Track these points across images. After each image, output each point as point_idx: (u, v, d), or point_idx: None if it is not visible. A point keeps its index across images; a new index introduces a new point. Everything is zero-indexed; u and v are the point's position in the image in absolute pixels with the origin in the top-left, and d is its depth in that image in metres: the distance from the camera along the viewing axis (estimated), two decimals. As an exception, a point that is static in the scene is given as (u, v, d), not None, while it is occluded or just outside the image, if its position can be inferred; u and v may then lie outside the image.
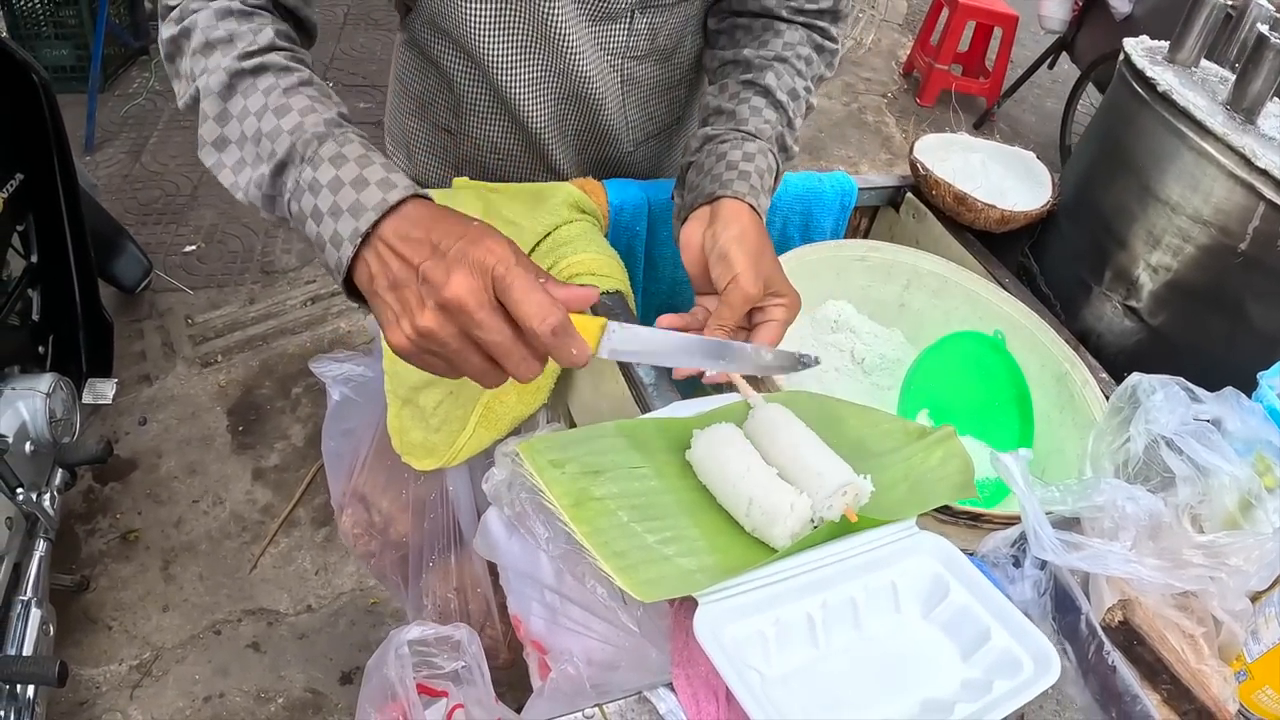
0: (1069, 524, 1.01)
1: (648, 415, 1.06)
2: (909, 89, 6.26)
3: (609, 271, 1.29)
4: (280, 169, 0.95)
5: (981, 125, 5.94)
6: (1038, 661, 0.84)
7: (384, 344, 1.50)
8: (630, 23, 1.33)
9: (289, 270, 3.66)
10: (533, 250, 1.30)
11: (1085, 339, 1.52)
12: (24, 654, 2.01)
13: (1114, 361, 1.46)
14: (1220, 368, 1.21)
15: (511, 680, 1.63)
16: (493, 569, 1.65)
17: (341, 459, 1.72)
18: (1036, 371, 1.39)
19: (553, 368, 1.32)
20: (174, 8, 1.05)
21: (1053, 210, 1.62)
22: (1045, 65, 5.86)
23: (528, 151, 1.47)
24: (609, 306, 1.26)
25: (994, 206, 1.54)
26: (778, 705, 0.79)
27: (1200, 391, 1.05)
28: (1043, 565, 0.96)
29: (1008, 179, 1.69)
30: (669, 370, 1.17)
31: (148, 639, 2.48)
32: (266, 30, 1.03)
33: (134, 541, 2.71)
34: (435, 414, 1.43)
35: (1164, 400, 1.00)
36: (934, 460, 1.05)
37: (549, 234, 1.31)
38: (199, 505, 2.83)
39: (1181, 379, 1.05)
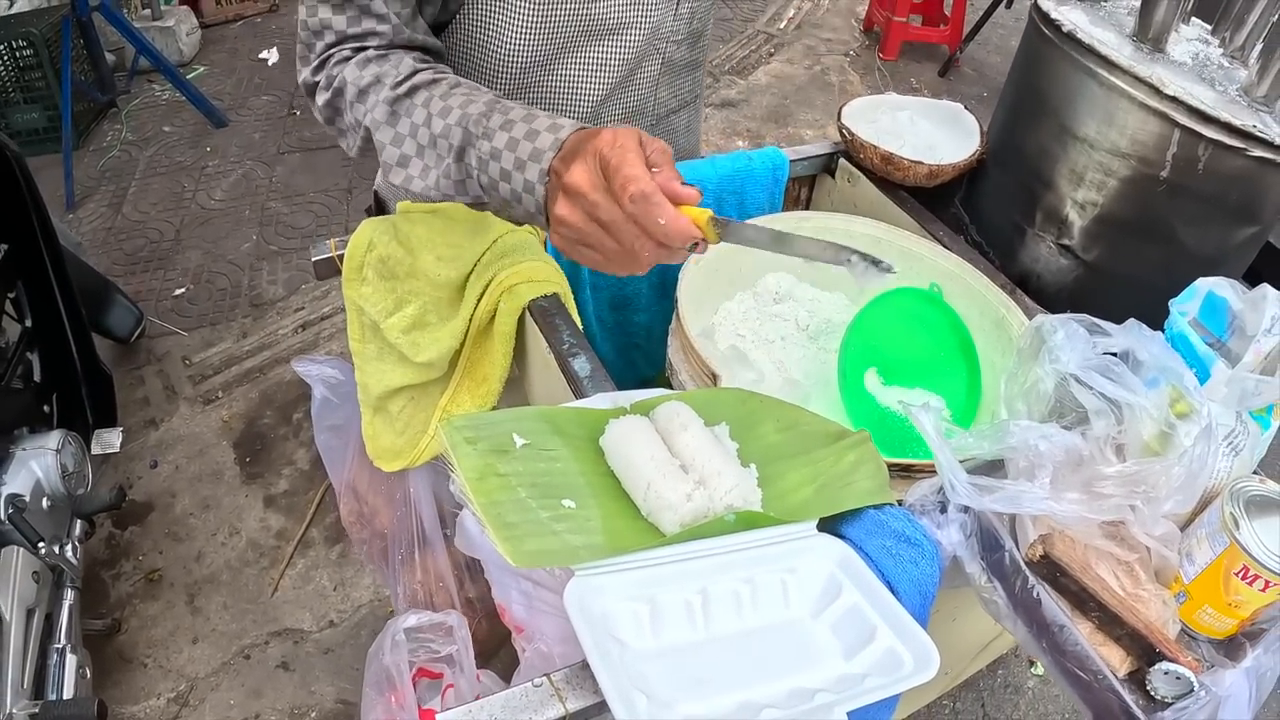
0: (995, 466, 1.06)
1: (570, 404, 1.10)
2: (870, 45, 6.24)
3: (544, 277, 1.35)
4: (461, 154, 1.11)
5: (947, 73, 5.92)
6: (918, 659, 0.88)
7: (355, 358, 1.56)
8: (676, 8, 1.43)
9: (277, 301, 3.72)
10: (474, 266, 1.36)
11: (1026, 281, 1.56)
12: (64, 698, 2.08)
13: (1055, 300, 1.50)
14: (1160, 295, 1.25)
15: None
16: (457, 565, 1.73)
17: (335, 451, 1.82)
18: (977, 319, 1.43)
19: (501, 368, 1.38)
20: (317, 81, 1.23)
21: (982, 159, 1.65)
22: (1003, 4, 5.83)
23: None
24: (545, 309, 1.32)
25: (921, 163, 1.58)
26: (636, 674, 0.83)
27: (1107, 325, 1.09)
28: (967, 509, 1.01)
29: (937, 133, 1.72)
30: (604, 365, 1.24)
31: (182, 671, 2.55)
32: (405, 60, 1.19)
33: (158, 580, 2.77)
34: (400, 418, 1.49)
35: (1065, 339, 1.04)
36: (845, 465, 1.07)
37: (489, 248, 1.36)
38: (216, 538, 2.90)
39: (1085, 316, 1.09)
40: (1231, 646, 1.07)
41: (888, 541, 1.00)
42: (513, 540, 0.89)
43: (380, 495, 1.80)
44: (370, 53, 1.20)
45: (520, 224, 1.40)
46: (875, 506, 1.04)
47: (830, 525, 1.04)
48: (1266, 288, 1.15)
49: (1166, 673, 0.95)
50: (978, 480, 0.96)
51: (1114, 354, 1.05)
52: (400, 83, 1.16)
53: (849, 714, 0.83)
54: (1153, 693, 0.97)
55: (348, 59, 1.20)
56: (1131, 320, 1.10)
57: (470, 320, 1.37)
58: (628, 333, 1.74)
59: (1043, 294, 1.53)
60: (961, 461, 0.99)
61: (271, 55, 5.56)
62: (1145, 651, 0.96)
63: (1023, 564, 0.97)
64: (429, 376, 1.47)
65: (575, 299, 1.57)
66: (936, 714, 2.55)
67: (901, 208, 1.62)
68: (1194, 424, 1.01)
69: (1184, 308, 1.14)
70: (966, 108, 1.76)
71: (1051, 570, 0.96)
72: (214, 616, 2.69)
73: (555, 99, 1.42)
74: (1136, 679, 0.98)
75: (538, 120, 1.04)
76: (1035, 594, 0.95)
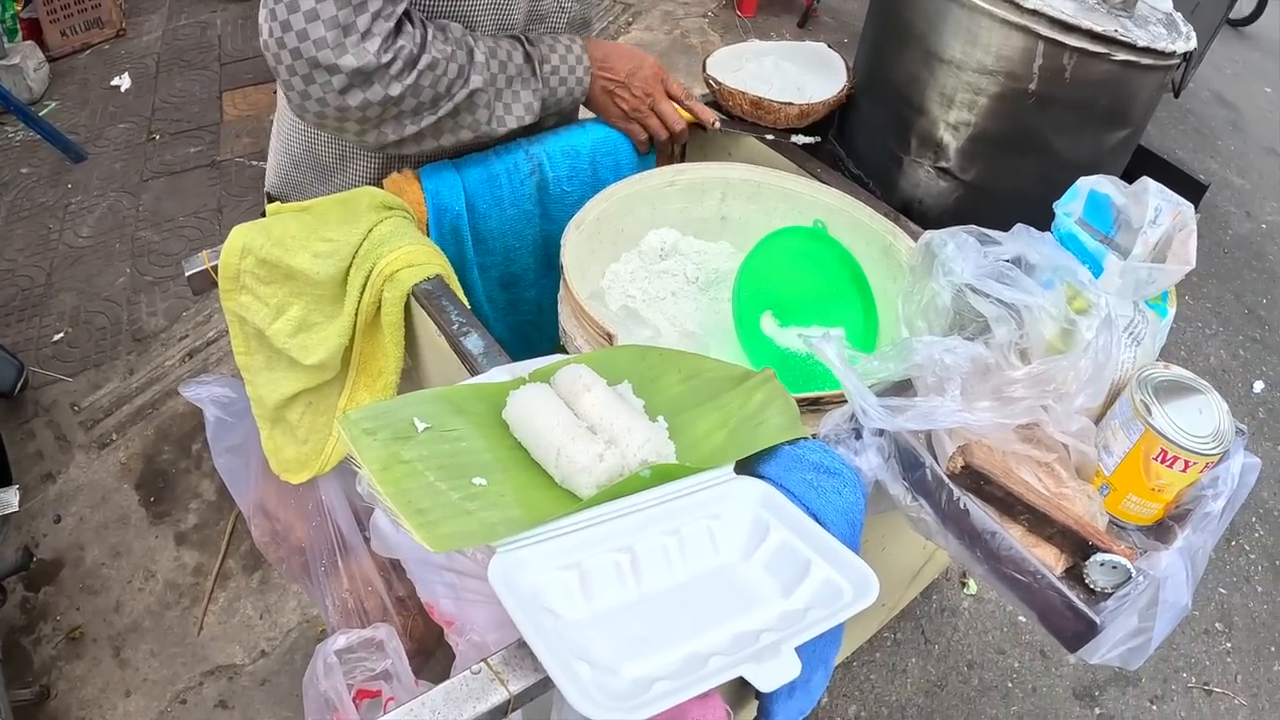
0: (904, 387, 1.06)
1: (466, 381, 1.08)
2: (728, 4, 6.24)
3: (424, 259, 1.32)
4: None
5: (805, 23, 5.94)
6: (856, 586, 0.88)
7: (244, 372, 1.52)
8: None
9: (160, 332, 3.59)
10: (352, 258, 1.33)
11: (909, 208, 1.57)
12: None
13: (939, 223, 1.50)
14: (1041, 206, 1.26)
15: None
16: (382, 566, 1.69)
17: (237, 473, 1.76)
18: (864, 250, 1.43)
19: (394, 359, 1.36)
20: (388, 61, 1.21)
21: (851, 94, 1.66)
22: (856, -49, 5.88)
23: None
24: (430, 291, 1.29)
25: (791, 103, 1.58)
26: (575, 643, 0.82)
27: (995, 234, 1.10)
28: (882, 432, 1.01)
29: (804, 74, 1.73)
30: (496, 340, 1.23)
31: (118, 727, 2.46)
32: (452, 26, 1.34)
33: (80, 638, 2.66)
34: (300, 426, 1.46)
35: (955, 250, 1.04)
36: (754, 405, 1.06)
37: (365, 238, 1.33)
38: (133, 584, 2.79)
39: (974, 226, 1.10)
40: (1161, 531, 1.09)
41: (807, 474, 0.99)
42: (427, 526, 0.87)
43: (291, 510, 1.75)
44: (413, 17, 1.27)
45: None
46: (790, 442, 1.03)
47: (749, 467, 1.03)
48: (1147, 180, 1.17)
49: (1103, 564, 0.96)
50: (888, 402, 0.96)
51: (1007, 261, 1.06)
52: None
53: (798, 651, 0.82)
54: (1092, 585, 0.98)
55: (410, 30, 1.24)
56: (1019, 225, 1.11)
57: (356, 314, 1.34)
58: (520, 311, 1.71)
59: (926, 218, 1.54)
60: (869, 386, 0.98)
61: (124, 82, 5.35)
62: (1079, 547, 0.97)
63: (945, 477, 0.97)
64: (323, 378, 1.44)
65: (462, 281, 1.55)
66: (879, 647, 2.57)
67: (776, 150, 1.62)
68: (1093, 317, 1.02)
69: (1068, 208, 1.16)
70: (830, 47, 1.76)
71: (975, 479, 0.96)
72: (143, 666, 2.59)
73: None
74: (1074, 575, 0.99)
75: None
76: (961, 505, 0.95)
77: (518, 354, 1.25)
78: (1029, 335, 1.03)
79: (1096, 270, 1.08)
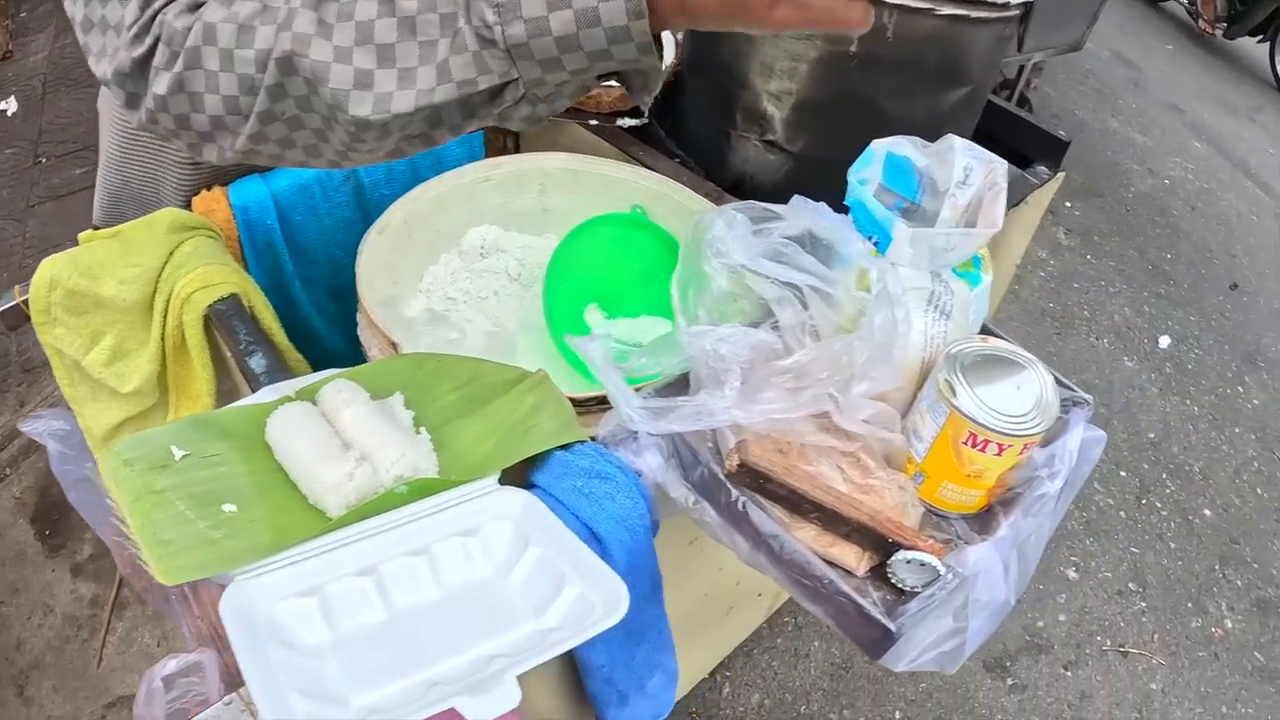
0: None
1: (233, 404, 1.03)
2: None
3: (220, 279, 1.26)
4: (468, 7, 0.69)
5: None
6: (608, 602, 0.83)
7: (72, 404, 1.50)
8: None
9: (47, 361, 3.48)
10: (156, 283, 1.28)
11: (740, 185, 1.51)
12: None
13: (771, 197, 1.44)
14: None
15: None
16: None
17: (91, 505, 1.69)
18: (688, 234, 1.36)
19: (205, 381, 1.30)
20: (143, 55, 0.77)
21: (677, 72, 1.59)
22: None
23: None
24: (223, 311, 1.23)
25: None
26: (306, 674, 0.78)
27: (776, 207, 1.02)
28: (664, 432, 0.93)
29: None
30: (279, 361, 1.18)
31: (25, 769, 2.38)
32: None
33: (-19, 682, 2.59)
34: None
35: (725, 229, 0.97)
36: (524, 410, 1.01)
37: (166, 261, 1.29)
38: (32, 620, 2.71)
39: (753, 202, 1.02)
40: (986, 520, 1.02)
41: (578, 481, 0.93)
42: (165, 558, 0.83)
43: (144, 539, 1.70)
44: None
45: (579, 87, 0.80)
46: (563, 447, 0.97)
47: (523, 476, 0.97)
48: (952, 137, 1.09)
49: (909, 561, 0.89)
50: (652, 404, 0.88)
51: (793, 236, 0.98)
52: None
53: (612, 666, 0.83)
54: (900, 585, 0.91)
55: (194, 5, 0.76)
56: (796, 197, 1.03)
57: (163, 339, 1.30)
58: (354, 321, 1.64)
59: (759, 194, 1.45)
60: (638, 387, 0.91)
61: (10, 105, 5.21)
62: (879, 544, 0.90)
63: (723, 478, 0.89)
64: (144, 405, 1.40)
65: (284, 296, 1.49)
66: (780, 633, 2.52)
67: (601, 136, 1.55)
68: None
69: (863, 175, 1.07)
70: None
71: (754, 479, 0.89)
72: (47, 703, 2.53)
73: None
74: (883, 573, 0.92)
75: None
76: (741, 506, 0.88)
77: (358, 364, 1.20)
78: (815, 316, 0.95)
79: (886, 240, 1.00)
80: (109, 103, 1.42)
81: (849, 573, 0.90)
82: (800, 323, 0.94)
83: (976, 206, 1.06)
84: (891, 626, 0.84)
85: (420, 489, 0.91)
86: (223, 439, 0.96)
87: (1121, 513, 3.01)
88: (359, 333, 1.26)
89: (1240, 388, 3.60)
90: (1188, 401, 3.47)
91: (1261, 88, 6.15)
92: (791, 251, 0.94)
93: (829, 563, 0.90)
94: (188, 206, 1.42)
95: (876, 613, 0.84)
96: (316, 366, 1.17)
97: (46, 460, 3.09)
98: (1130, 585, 2.83)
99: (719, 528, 0.91)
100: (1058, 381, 1.04)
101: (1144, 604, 2.79)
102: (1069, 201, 4.34)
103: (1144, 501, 3.07)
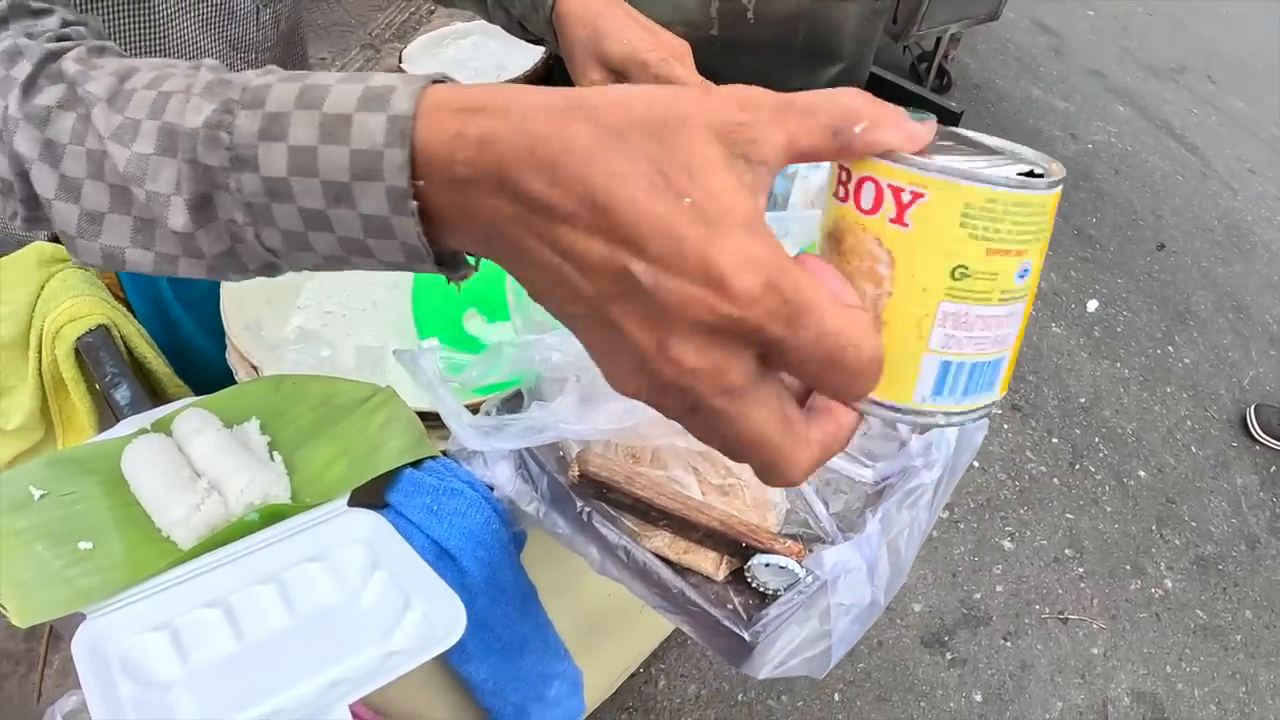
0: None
1: (92, 440, 1.03)
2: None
3: (88, 311, 1.24)
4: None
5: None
6: (447, 622, 0.82)
7: None
8: None
9: None
10: (30, 320, 1.26)
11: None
12: None
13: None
14: None
15: None
16: None
17: None
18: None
19: (86, 415, 1.27)
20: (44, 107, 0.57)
21: (549, 64, 1.56)
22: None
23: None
24: (90, 343, 1.21)
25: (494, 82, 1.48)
26: (161, 709, 0.78)
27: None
28: (513, 444, 0.90)
29: (506, 50, 1.65)
30: (142, 393, 1.13)
31: (-37, 818, 2.35)
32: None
33: (-88, 730, 2.54)
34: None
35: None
36: (374, 427, 0.99)
37: (38, 295, 1.27)
38: (-35, 660, 2.66)
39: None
40: (855, 517, 0.99)
41: (426, 499, 0.91)
42: (20, 599, 0.83)
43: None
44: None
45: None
46: (414, 465, 0.95)
47: (379, 494, 0.95)
48: None
49: (768, 565, 0.86)
50: (483, 421, 0.84)
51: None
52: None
53: (497, 680, 0.86)
54: (762, 589, 0.88)
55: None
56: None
57: (40, 374, 1.28)
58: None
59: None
60: (469, 402, 0.87)
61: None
62: (734, 549, 0.87)
63: (569, 489, 0.86)
64: (32, 441, 1.36)
65: (165, 318, 1.44)
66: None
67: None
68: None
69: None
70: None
71: (597, 489, 0.86)
72: (-12, 743, 2.49)
73: (151, 37, 1.18)
74: (744, 577, 0.89)
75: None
76: (586, 516, 0.84)
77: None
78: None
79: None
80: None
81: (708, 579, 0.87)
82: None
83: (823, 189, 1.03)
84: (745, 636, 0.81)
85: (271, 515, 0.90)
86: (81, 475, 0.96)
87: (1055, 479, 3.02)
88: (227, 357, 1.22)
89: (1170, 347, 3.62)
90: (1118, 364, 3.48)
91: (1183, 50, 6.20)
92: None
93: (687, 569, 0.87)
94: (58, 240, 1.37)
95: (729, 622, 0.81)
96: (211, 388, 1.14)
97: (-30, 497, 3.03)
98: (1067, 551, 2.83)
99: (570, 539, 0.88)
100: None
101: (1082, 569, 2.80)
102: (993, 171, 4.34)
103: (1077, 467, 3.08)
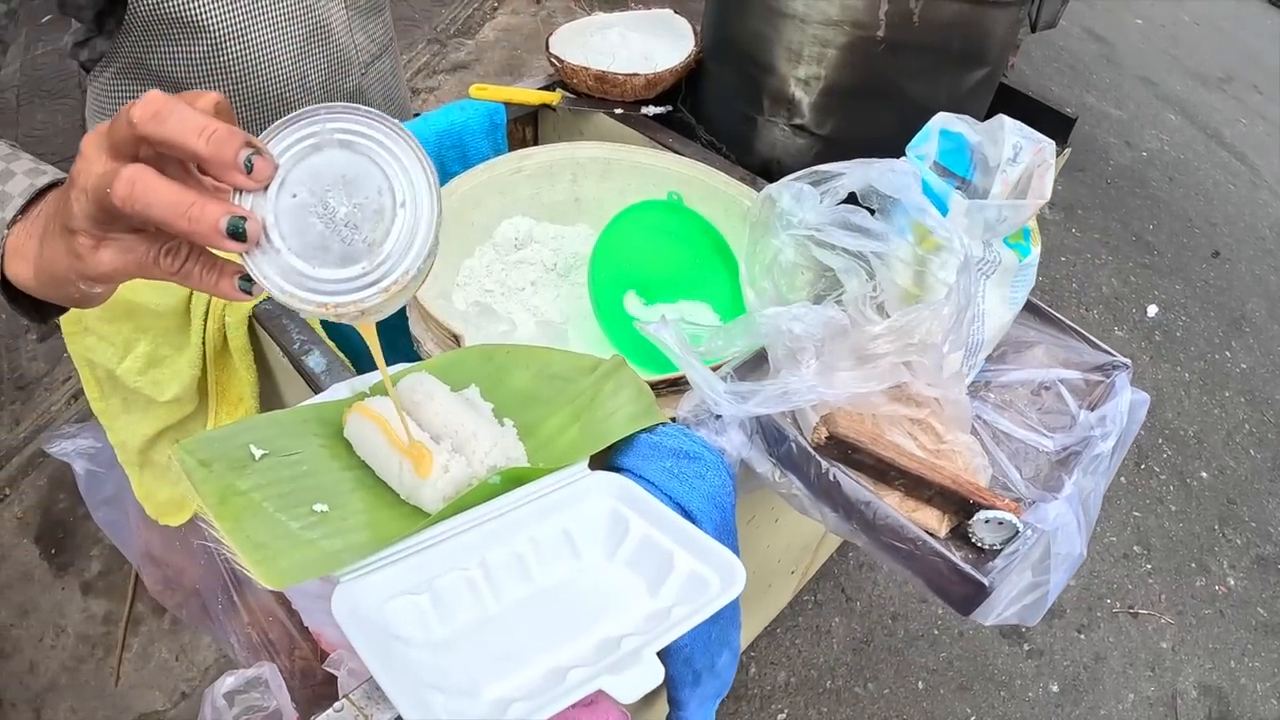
0: (764, 358, 1.01)
1: (305, 403, 1.01)
2: (592, -18, 6.19)
3: None
4: None
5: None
6: (723, 576, 0.83)
7: (102, 418, 1.45)
8: None
9: (42, 377, 3.44)
10: (190, 291, 1.25)
11: (768, 169, 1.52)
12: None
13: (800, 181, 1.48)
14: (902, 153, 1.20)
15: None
16: (280, 594, 1.63)
17: (118, 525, 1.69)
18: (724, 217, 1.39)
19: (249, 384, 1.29)
20: None
21: (699, 59, 1.61)
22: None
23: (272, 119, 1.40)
24: (269, 311, 1.23)
25: (636, 74, 1.53)
26: (431, 669, 0.77)
27: (834, 167, 1.03)
28: (743, 409, 0.96)
29: (651, 43, 1.68)
30: (336, 359, 1.15)
31: (44, 794, 2.36)
32: None
33: (-3, 708, 2.57)
34: (170, 466, 1.39)
35: (793, 199, 0.99)
36: (605, 395, 1.01)
37: None
38: (44, 642, 2.68)
39: (812, 169, 1.04)
40: (1050, 478, 1.06)
41: (667, 462, 0.94)
42: (265, 562, 0.81)
43: (178, 553, 1.68)
44: None
45: None
46: (647, 430, 0.98)
47: (607, 460, 0.98)
48: (1002, 117, 1.13)
49: (988, 521, 0.92)
50: (737, 387, 0.90)
51: (855, 199, 1.00)
52: None
53: (692, 646, 0.76)
54: (980, 544, 0.94)
55: None
56: (856, 159, 1.06)
57: (204, 343, 1.27)
58: (386, 320, 1.65)
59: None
60: (719, 366, 0.93)
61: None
62: (960, 506, 0.93)
63: (811, 450, 0.92)
64: (183, 413, 1.36)
65: None
66: (800, 611, 2.55)
67: (626, 124, 1.57)
68: (946, 255, 0.97)
69: (921, 151, 1.10)
70: (677, 12, 1.71)
71: (842, 449, 0.91)
72: (66, 726, 2.51)
73: (252, 66, 1.32)
74: (961, 534, 0.95)
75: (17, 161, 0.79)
76: (832, 477, 0.91)
77: (389, 364, 1.19)
78: (881, 285, 0.98)
79: (943, 212, 1.03)
80: (97, 112, 1.43)
81: (932, 534, 0.94)
82: (865, 294, 0.97)
83: (1025, 183, 1.10)
84: (985, 581, 0.87)
85: (513, 478, 0.90)
86: (298, 437, 0.94)
87: (1122, 478, 3.07)
88: (411, 328, 1.25)
89: (1228, 352, 3.66)
90: (1178, 368, 3.53)
91: (1230, 59, 6.23)
92: (860, 217, 0.97)
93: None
94: None
95: (971, 569, 0.88)
96: (359, 358, 1.16)
97: (47, 478, 3.10)
98: (1135, 548, 2.89)
99: (807, 500, 0.93)
100: (1094, 345, 1.14)
101: (1149, 566, 2.85)
102: (1051, 176, 4.39)
103: (1143, 467, 3.13)
